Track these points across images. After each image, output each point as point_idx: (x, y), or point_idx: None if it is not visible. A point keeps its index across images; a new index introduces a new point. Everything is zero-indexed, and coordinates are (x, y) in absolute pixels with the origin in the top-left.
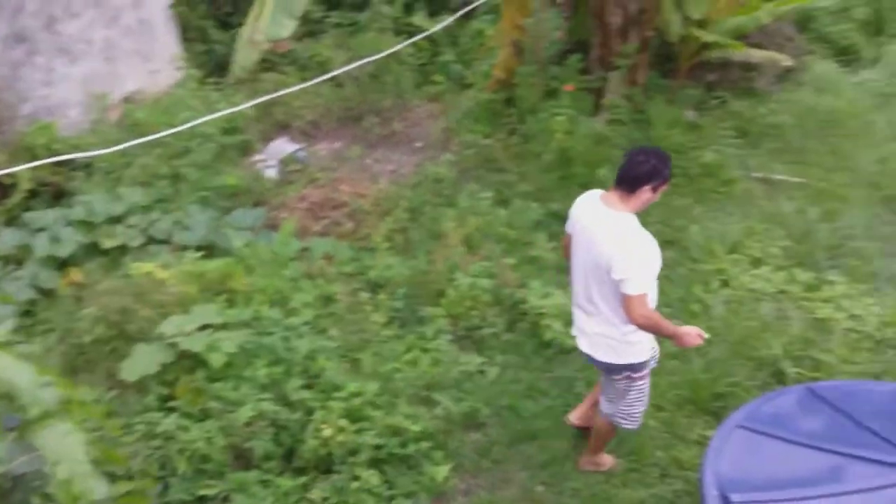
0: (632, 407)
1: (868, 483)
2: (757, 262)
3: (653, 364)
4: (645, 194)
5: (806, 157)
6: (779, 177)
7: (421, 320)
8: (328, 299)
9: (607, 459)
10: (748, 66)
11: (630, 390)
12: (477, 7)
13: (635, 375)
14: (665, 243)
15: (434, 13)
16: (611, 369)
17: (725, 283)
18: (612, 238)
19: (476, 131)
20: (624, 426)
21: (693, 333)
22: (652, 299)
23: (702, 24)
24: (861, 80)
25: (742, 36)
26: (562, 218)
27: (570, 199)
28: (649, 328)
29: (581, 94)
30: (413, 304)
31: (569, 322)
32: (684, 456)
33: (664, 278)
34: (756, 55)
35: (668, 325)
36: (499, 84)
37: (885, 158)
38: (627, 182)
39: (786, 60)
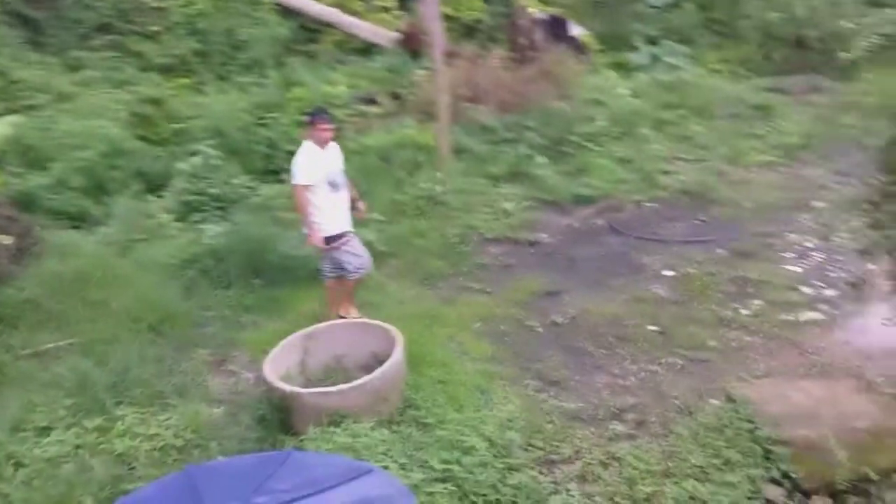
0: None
1: None
2: (45, 431)
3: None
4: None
5: (68, 319)
6: (47, 346)
7: None
8: None
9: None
10: None
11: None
12: None
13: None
14: None
15: None
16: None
17: (20, 465)
18: None
19: None
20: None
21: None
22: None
23: None
24: (101, 236)
25: None
26: None
27: None
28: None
29: None
30: None
31: None
32: None
33: None
34: None
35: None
36: None
37: (141, 295)
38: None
39: (7, 240)
